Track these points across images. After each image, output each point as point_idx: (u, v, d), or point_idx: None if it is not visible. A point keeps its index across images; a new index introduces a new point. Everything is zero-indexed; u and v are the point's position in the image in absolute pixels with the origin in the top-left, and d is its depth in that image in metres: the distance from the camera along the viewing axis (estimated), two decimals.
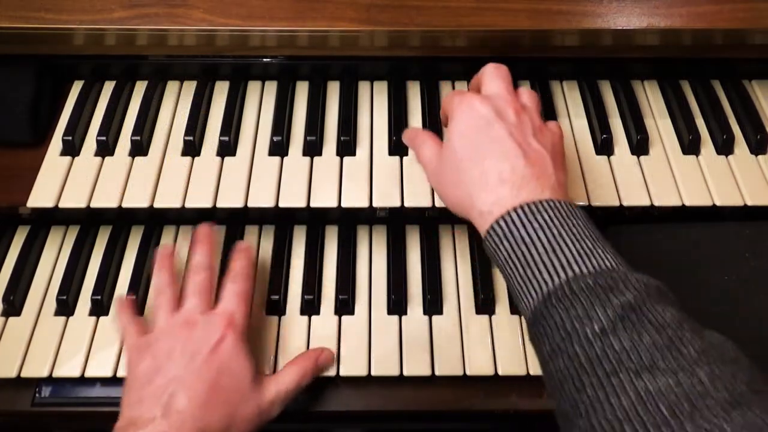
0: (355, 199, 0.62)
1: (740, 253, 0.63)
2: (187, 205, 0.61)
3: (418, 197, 0.61)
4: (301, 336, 0.61)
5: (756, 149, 0.65)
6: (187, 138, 0.64)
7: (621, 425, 0.35)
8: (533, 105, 0.53)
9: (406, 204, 0.61)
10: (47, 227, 0.69)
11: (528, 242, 0.44)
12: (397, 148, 0.64)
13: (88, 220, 0.69)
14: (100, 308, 0.63)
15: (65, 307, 0.63)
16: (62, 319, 0.63)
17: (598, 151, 0.65)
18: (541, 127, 0.52)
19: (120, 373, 0.60)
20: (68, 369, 0.60)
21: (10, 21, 0.61)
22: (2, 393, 0.60)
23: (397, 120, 0.66)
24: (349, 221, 0.69)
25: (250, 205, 0.61)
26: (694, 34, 0.63)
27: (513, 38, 0.63)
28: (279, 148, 0.65)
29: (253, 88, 0.70)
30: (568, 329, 0.40)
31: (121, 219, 0.69)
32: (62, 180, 0.62)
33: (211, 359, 0.52)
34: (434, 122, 0.67)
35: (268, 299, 0.63)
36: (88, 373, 0.60)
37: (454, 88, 0.71)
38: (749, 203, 0.61)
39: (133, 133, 0.65)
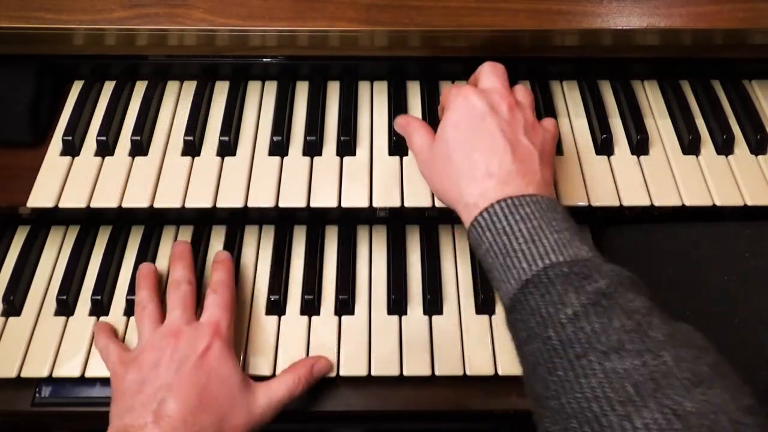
0: (355, 199, 0.62)
1: (740, 253, 0.63)
2: (187, 205, 0.61)
3: (418, 197, 0.61)
4: (301, 336, 0.61)
5: (756, 149, 0.65)
6: (187, 138, 0.64)
7: (588, 403, 0.36)
8: (527, 102, 0.55)
9: (406, 204, 0.61)
10: (47, 227, 0.69)
11: (509, 233, 0.45)
12: (397, 148, 0.64)
13: (88, 220, 0.69)
14: (100, 308, 0.63)
15: (65, 307, 0.63)
16: (62, 319, 0.63)
17: (598, 151, 0.65)
18: (534, 124, 0.53)
19: None
20: (68, 369, 0.60)
21: (10, 21, 0.61)
22: (2, 393, 0.60)
23: None
24: (349, 221, 0.69)
25: (250, 205, 0.61)
26: (694, 34, 0.63)
27: (513, 38, 0.63)
28: (279, 148, 0.65)
29: (253, 88, 0.70)
30: (543, 314, 0.41)
31: (121, 219, 0.69)
32: (62, 180, 0.62)
33: (200, 366, 0.52)
34: (434, 122, 0.66)
35: (268, 299, 0.63)
36: (88, 373, 0.60)
37: None
38: (749, 203, 0.61)
39: (133, 133, 0.65)
